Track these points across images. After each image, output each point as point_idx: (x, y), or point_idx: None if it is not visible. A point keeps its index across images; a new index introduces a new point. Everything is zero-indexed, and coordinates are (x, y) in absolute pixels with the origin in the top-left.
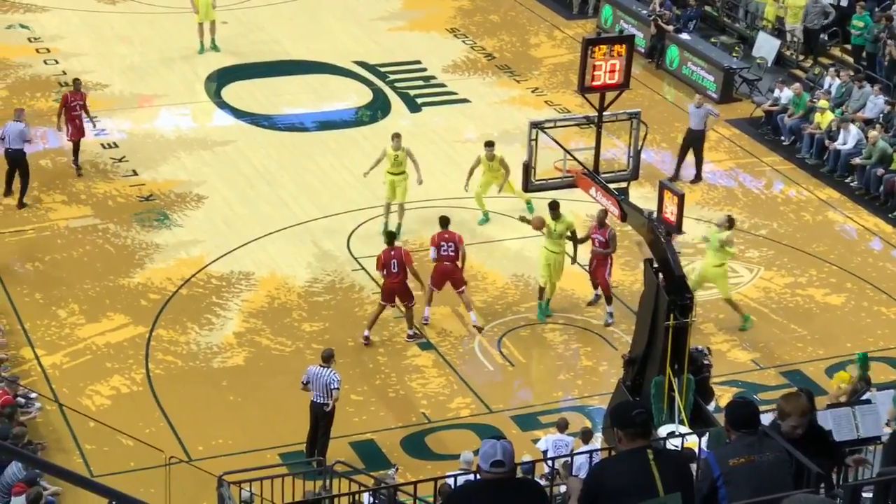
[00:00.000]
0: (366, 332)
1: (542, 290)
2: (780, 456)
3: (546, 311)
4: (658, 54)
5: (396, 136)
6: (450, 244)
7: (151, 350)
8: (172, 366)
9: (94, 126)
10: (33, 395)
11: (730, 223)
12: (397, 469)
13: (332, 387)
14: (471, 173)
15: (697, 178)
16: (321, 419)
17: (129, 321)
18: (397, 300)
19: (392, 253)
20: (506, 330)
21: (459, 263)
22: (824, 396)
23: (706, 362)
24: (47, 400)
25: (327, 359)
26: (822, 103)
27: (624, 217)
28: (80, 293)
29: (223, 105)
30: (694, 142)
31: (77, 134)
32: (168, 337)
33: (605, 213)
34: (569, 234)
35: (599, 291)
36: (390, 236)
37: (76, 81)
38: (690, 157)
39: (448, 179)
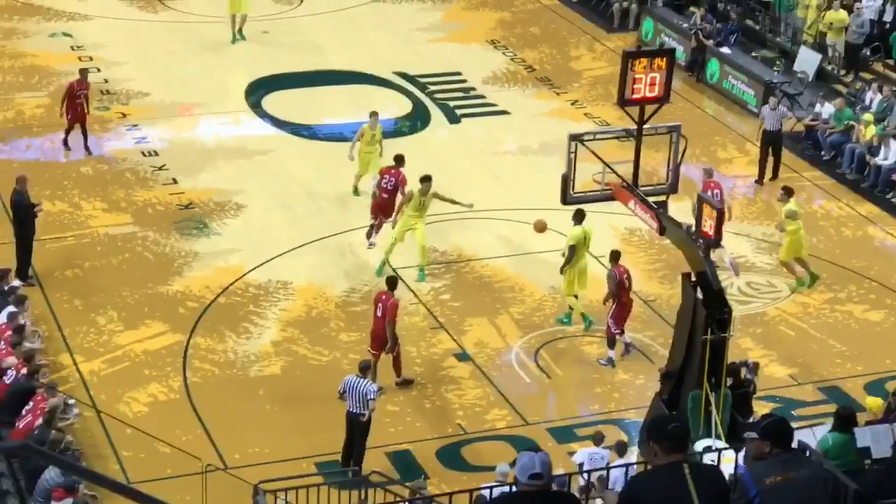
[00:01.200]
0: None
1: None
2: (817, 473)
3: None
4: (699, 68)
5: (374, 115)
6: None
7: (189, 358)
8: (210, 374)
9: (88, 113)
10: (71, 401)
11: (787, 193)
12: (426, 478)
13: (369, 397)
14: (399, 210)
15: (774, 176)
16: (357, 429)
17: (168, 329)
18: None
19: (382, 297)
20: (543, 342)
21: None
22: (863, 413)
23: (748, 377)
24: (85, 406)
25: (364, 369)
26: (867, 116)
27: (662, 230)
28: (119, 300)
29: (263, 114)
30: (772, 143)
31: (76, 119)
32: (206, 345)
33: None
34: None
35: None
36: (392, 282)
37: (83, 71)
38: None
39: (486, 191)
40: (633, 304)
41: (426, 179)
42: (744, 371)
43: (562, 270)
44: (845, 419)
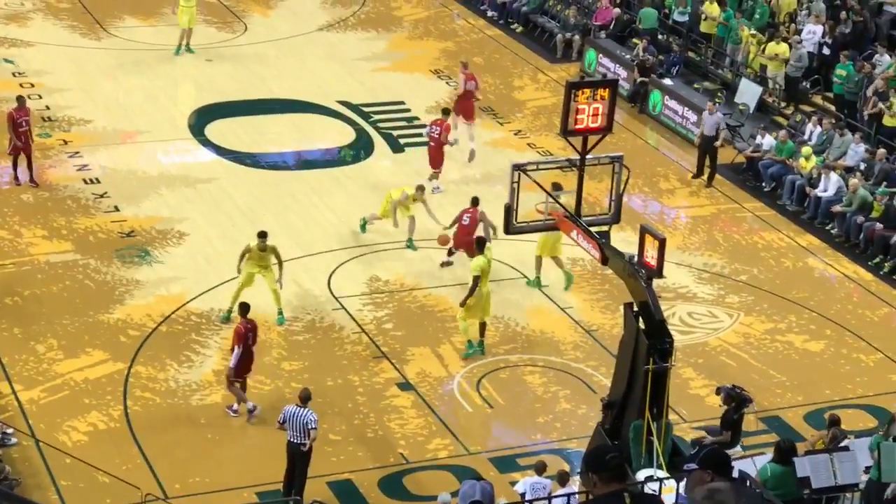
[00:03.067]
0: (243, 406)
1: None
2: (757, 503)
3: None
4: (641, 99)
5: (420, 189)
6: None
7: (130, 387)
8: (150, 403)
9: (33, 141)
10: (10, 430)
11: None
12: None
13: (310, 427)
14: (241, 258)
15: (709, 183)
16: (298, 459)
17: (108, 357)
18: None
19: (248, 325)
20: (485, 371)
21: None
22: (802, 443)
23: (746, 395)
24: (24, 435)
25: (305, 399)
26: (806, 150)
27: (605, 260)
28: (59, 328)
29: (206, 142)
30: (708, 147)
31: (17, 150)
32: (147, 374)
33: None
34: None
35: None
36: (244, 308)
37: (20, 98)
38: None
39: (429, 220)
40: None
41: (263, 236)
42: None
43: (463, 303)
44: (785, 451)
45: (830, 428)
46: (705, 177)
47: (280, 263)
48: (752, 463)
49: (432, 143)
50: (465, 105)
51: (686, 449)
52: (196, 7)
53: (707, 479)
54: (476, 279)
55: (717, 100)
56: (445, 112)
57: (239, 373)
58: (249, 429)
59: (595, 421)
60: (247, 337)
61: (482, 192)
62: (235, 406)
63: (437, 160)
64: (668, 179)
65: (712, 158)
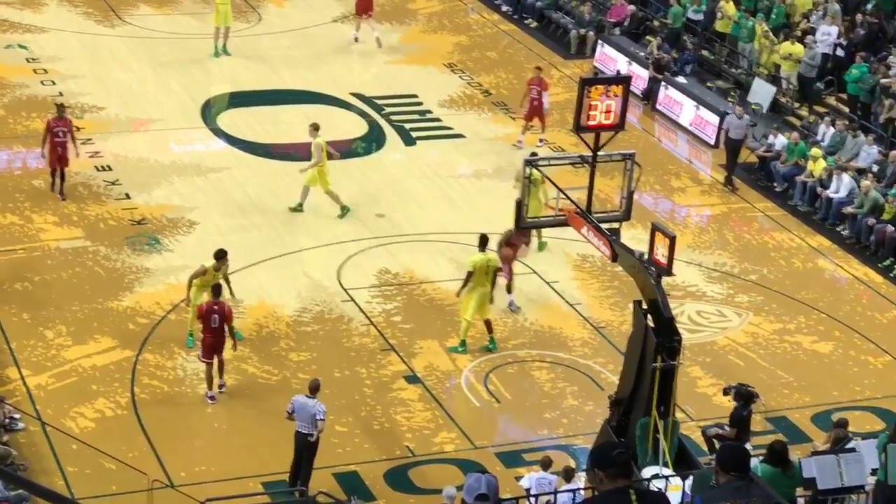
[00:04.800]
0: (209, 392)
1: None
2: (768, 502)
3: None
4: (654, 97)
5: (314, 126)
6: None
7: (137, 374)
8: (158, 390)
9: (77, 155)
10: (17, 415)
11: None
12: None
13: (318, 417)
14: (189, 284)
15: (729, 183)
16: (305, 449)
17: (116, 344)
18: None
19: (215, 307)
20: (493, 366)
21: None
22: (808, 444)
23: (753, 390)
24: (31, 420)
25: (314, 389)
26: (815, 151)
27: (615, 257)
28: (69, 315)
29: (219, 132)
30: (735, 151)
31: (56, 162)
32: (154, 361)
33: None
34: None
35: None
36: (216, 290)
37: (60, 107)
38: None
39: (440, 213)
40: None
41: (222, 256)
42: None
43: (458, 294)
44: (777, 454)
45: (835, 429)
46: (724, 178)
47: (227, 281)
48: (757, 463)
49: (535, 103)
50: (363, 3)
51: (693, 447)
52: (230, 4)
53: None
54: (469, 274)
55: (730, 99)
56: (538, 69)
57: (203, 353)
58: (256, 418)
59: (602, 418)
60: (209, 318)
61: (493, 186)
62: (210, 392)
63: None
64: (680, 177)
65: (733, 162)
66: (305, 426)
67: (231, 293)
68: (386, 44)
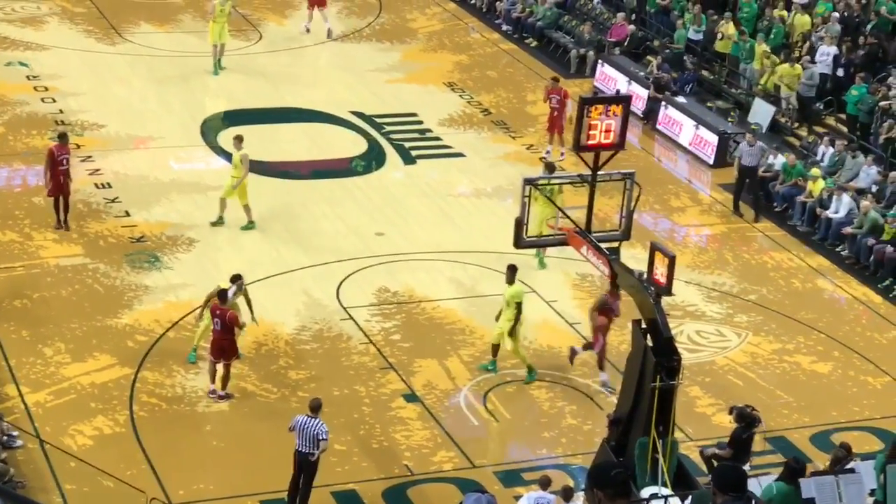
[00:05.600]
0: (211, 386)
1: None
2: None
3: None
4: (654, 116)
5: (238, 139)
6: (219, 320)
7: (136, 392)
8: (157, 408)
9: (71, 181)
10: (15, 432)
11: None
12: None
13: (321, 437)
14: (205, 303)
15: (758, 217)
16: (305, 469)
17: (115, 362)
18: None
19: (218, 311)
20: (492, 385)
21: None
22: (809, 464)
23: (756, 414)
24: (29, 437)
25: (315, 409)
26: (814, 171)
27: (614, 277)
28: (67, 332)
29: (218, 149)
30: (749, 177)
31: (57, 190)
32: (153, 379)
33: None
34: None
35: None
36: (222, 294)
37: (63, 136)
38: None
39: (439, 232)
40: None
41: (237, 279)
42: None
43: (511, 332)
44: (794, 472)
45: (837, 450)
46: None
47: (249, 303)
48: (756, 483)
49: (555, 113)
50: None
51: (691, 467)
52: (226, 22)
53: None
54: (519, 305)
55: (730, 119)
56: (555, 80)
57: (210, 350)
58: (255, 437)
59: (601, 437)
60: (214, 320)
61: (493, 205)
62: (212, 386)
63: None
64: (679, 197)
65: (754, 189)
66: (306, 446)
67: (252, 317)
68: (386, 62)
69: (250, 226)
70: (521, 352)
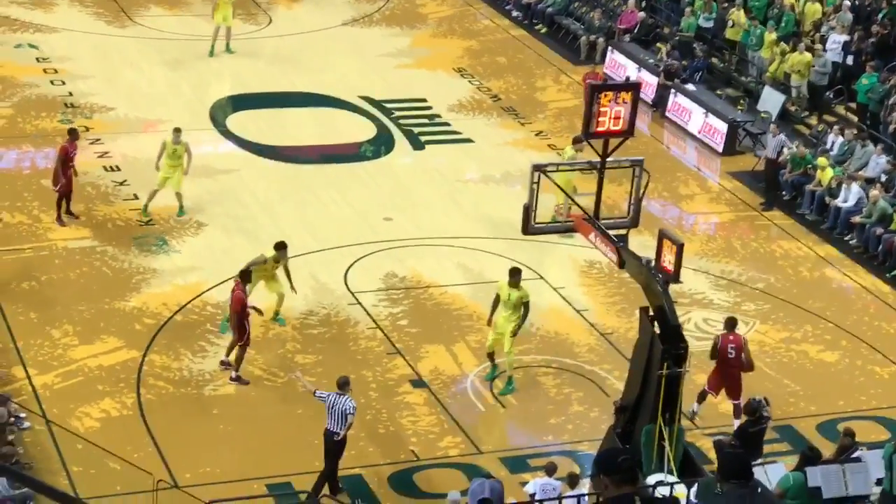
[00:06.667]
0: (224, 358)
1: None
2: None
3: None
4: (663, 104)
5: (177, 131)
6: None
7: (143, 374)
8: (164, 391)
9: (77, 175)
10: (23, 414)
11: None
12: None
13: (348, 412)
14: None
15: (769, 204)
16: (330, 446)
17: (123, 345)
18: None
19: (234, 289)
20: (499, 371)
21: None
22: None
23: (766, 414)
24: (36, 419)
25: (343, 385)
26: (821, 161)
27: (622, 264)
28: (75, 314)
29: (227, 134)
30: (772, 169)
31: (69, 185)
32: (161, 362)
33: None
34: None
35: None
36: (243, 275)
37: (73, 132)
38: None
39: (448, 218)
40: (734, 379)
41: (282, 247)
42: (766, 410)
43: (514, 333)
44: (809, 460)
45: (843, 438)
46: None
47: (288, 273)
48: (763, 472)
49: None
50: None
51: (697, 455)
52: (231, 5)
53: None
54: (527, 304)
55: (739, 107)
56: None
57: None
58: (262, 420)
59: (607, 424)
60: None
61: (502, 192)
62: (224, 358)
63: None
64: (688, 185)
65: (771, 181)
66: (335, 424)
67: (291, 286)
68: (395, 47)
69: (180, 212)
70: (512, 358)
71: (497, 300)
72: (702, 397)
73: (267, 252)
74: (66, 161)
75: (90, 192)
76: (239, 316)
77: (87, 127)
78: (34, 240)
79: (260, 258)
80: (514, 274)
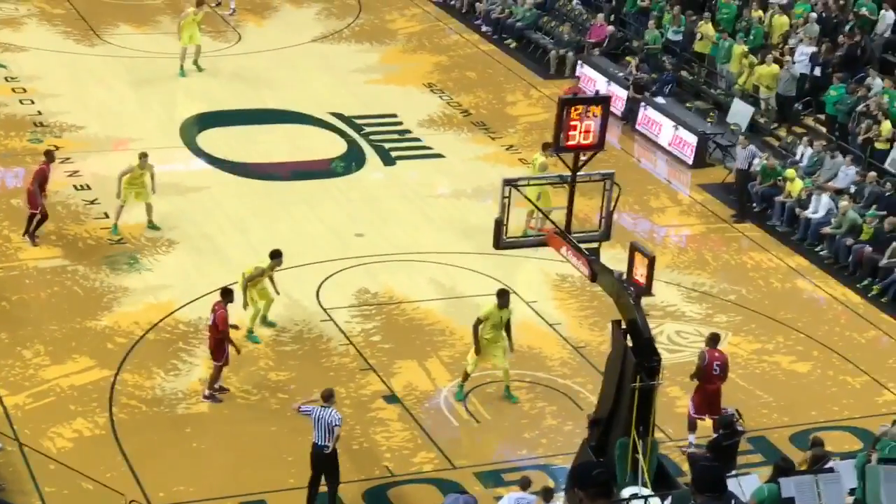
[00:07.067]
0: (206, 392)
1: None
2: None
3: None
4: (633, 117)
5: (143, 156)
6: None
7: (116, 394)
8: (136, 410)
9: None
10: None
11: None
12: None
13: (335, 424)
14: (245, 287)
15: (741, 215)
16: (324, 465)
17: (95, 364)
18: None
19: (215, 307)
20: (472, 386)
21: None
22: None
23: (739, 428)
24: (8, 440)
25: (328, 398)
26: (789, 172)
27: (594, 277)
28: (47, 334)
29: (198, 151)
30: (744, 180)
31: (44, 208)
32: (133, 381)
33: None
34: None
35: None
36: (225, 293)
37: (49, 153)
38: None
39: (419, 233)
40: (717, 395)
41: (278, 255)
42: (739, 423)
43: (512, 348)
44: (783, 472)
45: (812, 448)
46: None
47: (271, 278)
48: (737, 484)
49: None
50: None
51: (672, 467)
52: (198, 24)
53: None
54: (509, 321)
55: (709, 120)
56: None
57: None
58: (235, 438)
59: (581, 437)
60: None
61: (473, 206)
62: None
63: None
64: (659, 197)
65: (743, 192)
66: (322, 437)
67: (276, 290)
68: (365, 63)
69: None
70: (473, 369)
71: (479, 324)
72: (692, 426)
73: (261, 262)
74: (42, 183)
75: (60, 212)
76: (222, 335)
77: (57, 146)
78: (4, 259)
79: (257, 272)
80: (503, 295)
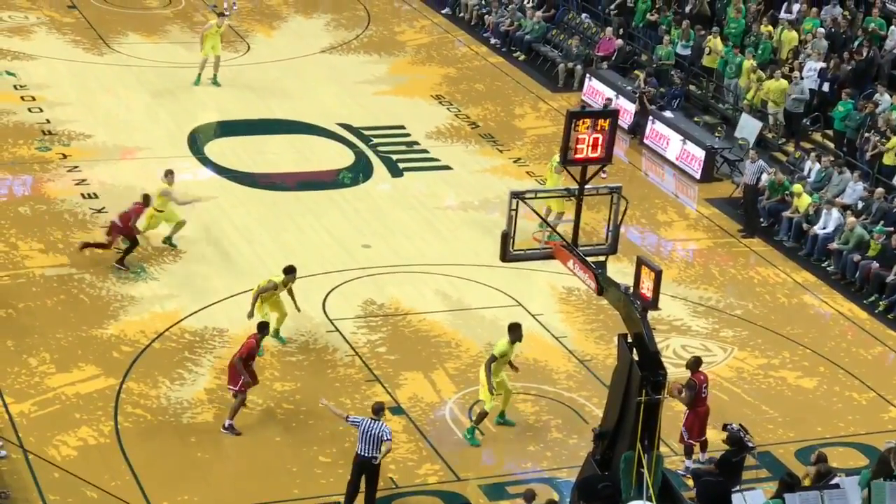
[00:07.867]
0: (226, 422)
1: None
2: None
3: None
4: (641, 131)
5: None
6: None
7: (121, 403)
8: (141, 419)
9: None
10: None
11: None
12: None
13: (385, 438)
14: (254, 300)
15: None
16: (367, 473)
17: (100, 372)
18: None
19: (250, 336)
20: (477, 398)
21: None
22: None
23: (750, 444)
24: (13, 448)
25: (378, 411)
26: (796, 188)
27: (601, 291)
28: (53, 342)
29: (206, 161)
30: (753, 197)
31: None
32: (138, 390)
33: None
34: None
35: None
36: (261, 327)
37: (146, 197)
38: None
39: (426, 245)
40: (706, 416)
41: (291, 271)
42: (750, 440)
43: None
44: (789, 487)
45: (816, 464)
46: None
47: (292, 294)
48: (742, 499)
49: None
50: None
51: (676, 481)
52: (219, 35)
53: None
54: (491, 359)
55: (717, 134)
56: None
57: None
58: (239, 448)
59: (586, 451)
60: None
61: (480, 218)
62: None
63: None
64: (666, 211)
65: (751, 207)
66: (368, 449)
67: (296, 306)
68: (373, 75)
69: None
70: (490, 407)
71: (492, 363)
72: (689, 451)
73: (275, 277)
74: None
75: (67, 220)
76: (237, 360)
77: (65, 154)
78: (11, 267)
79: (270, 285)
80: (516, 330)
